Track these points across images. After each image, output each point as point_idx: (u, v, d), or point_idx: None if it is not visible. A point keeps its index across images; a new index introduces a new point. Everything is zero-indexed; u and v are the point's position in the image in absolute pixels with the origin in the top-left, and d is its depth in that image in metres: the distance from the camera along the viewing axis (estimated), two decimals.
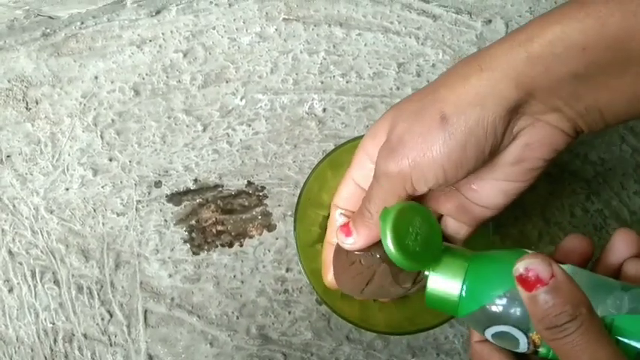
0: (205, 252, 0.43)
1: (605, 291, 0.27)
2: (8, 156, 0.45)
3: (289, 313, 0.43)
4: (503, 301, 0.28)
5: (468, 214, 0.33)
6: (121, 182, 0.44)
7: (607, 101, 0.28)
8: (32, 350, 0.43)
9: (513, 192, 0.32)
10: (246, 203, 0.44)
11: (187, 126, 0.45)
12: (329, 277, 0.37)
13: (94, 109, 0.45)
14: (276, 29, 0.46)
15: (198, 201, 0.44)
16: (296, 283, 0.43)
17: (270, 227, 0.44)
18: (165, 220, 0.44)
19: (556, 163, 0.40)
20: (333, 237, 0.36)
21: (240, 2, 0.46)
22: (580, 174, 0.45)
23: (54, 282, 0.43)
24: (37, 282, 0.43)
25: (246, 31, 0.46)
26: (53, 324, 0.43)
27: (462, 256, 0.30)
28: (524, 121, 0.29)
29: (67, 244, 0.44)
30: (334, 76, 0.45)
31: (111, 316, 0.43)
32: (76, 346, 0.43)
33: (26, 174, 0.44)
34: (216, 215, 0.44)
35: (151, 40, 0.46)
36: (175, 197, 0.44)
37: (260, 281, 0.43)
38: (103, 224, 0.44)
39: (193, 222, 0.44)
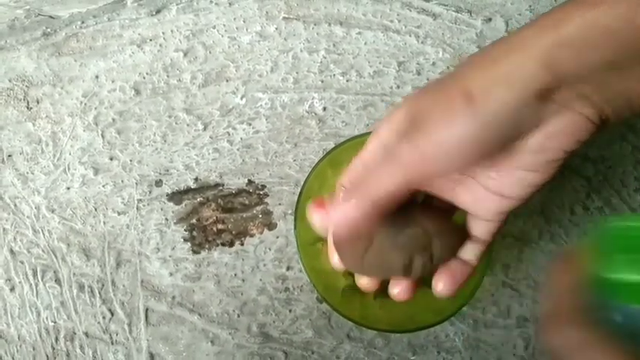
0: (206, 250, 0.44)
1: None
2: (9, 155, 0.45)
3: (290, 311, 0.43)
4: None
5: (489, 207, 0.32)
6: (121, 181, 0.44)
7: (637, 89, 0.27)
8: (34, 349, 0.43)
9: (533, 182, 0.30)
10: (247, 202, 0.44)
11: (188, 125, 0.45)
12: (334, 259, 0.37)
13: (95, 108, 0.45)
14: (276, 28, 0.46)
15: (198, 200, 0.44)
16: (297, 282, 0.43)
17: (271, 226, 0.44)
18: (166, 219, 0.44)
19: None
20: None
21: (241, 1, 0.46)
22: (580, 171, 0.45)
23: (55, 281, 0.43)
24: (38, 281, 0.44)
25: (247, 30, 0.46)
26: (55, 322, 0.43)
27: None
28: (549, 108, 0.28)
29: (69, 243, 0.44)
30: (334, 75, 0.45)
31: (112, 314, 0.43)
32: (78, 344, 0.43)
33: (27, 173, 0.45)
34: (217, 214, 0.44)
35: (151, 40, 0.46)
36: (176, 196, 0.44)
37: (261, 280, 0.43)
38: (104, 223, 0.44)
39: (194, 221, 0.44)
